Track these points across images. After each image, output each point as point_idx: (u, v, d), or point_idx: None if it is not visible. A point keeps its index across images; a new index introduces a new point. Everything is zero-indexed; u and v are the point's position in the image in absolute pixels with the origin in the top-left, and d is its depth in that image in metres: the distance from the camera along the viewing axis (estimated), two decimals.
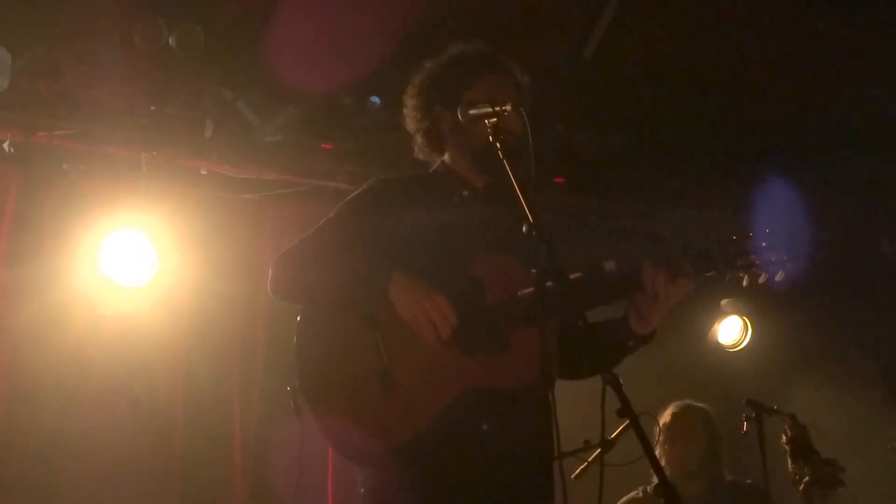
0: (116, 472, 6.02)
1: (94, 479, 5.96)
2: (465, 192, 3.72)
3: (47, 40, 5.56)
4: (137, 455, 6.11)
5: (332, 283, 3.48)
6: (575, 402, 3.78)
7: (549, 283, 3.19)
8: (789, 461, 5.01)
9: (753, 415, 5.16)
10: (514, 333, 3.41)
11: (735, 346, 7.79)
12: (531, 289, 3.34)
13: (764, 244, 3.61)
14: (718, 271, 3.63)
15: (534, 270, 3.20)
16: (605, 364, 3.02)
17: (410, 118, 3.85)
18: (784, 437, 5.05)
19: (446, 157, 3.80)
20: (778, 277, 3.63)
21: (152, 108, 5.93)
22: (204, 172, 6.37)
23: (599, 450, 4.43)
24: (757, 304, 7.63)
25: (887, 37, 6.55)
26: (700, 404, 6.15)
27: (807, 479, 4.91)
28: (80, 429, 5.98)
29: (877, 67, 6.75)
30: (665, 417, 5.96)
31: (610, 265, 3.50)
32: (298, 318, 3.53)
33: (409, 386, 3.36)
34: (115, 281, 5.97)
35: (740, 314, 7.75)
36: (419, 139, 3.84)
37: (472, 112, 3.50)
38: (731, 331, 7.80)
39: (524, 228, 3.11)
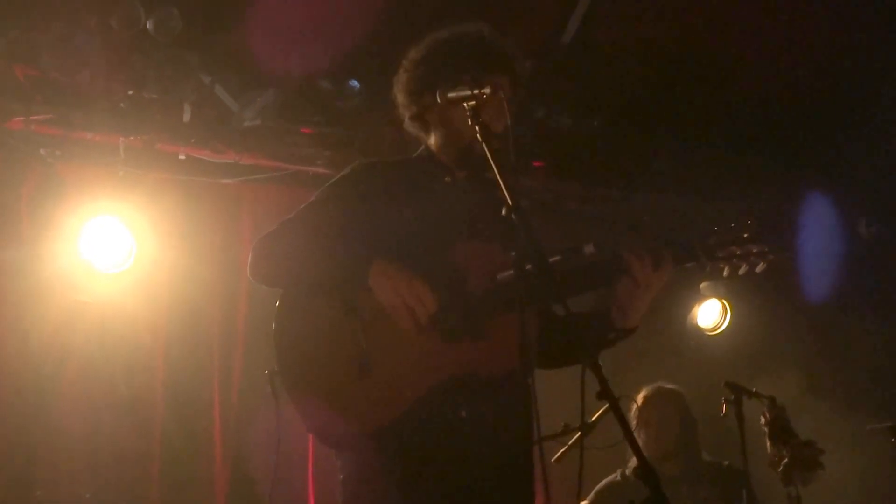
0: (95, 458, 6.01)
1: (73, 465, 5.96)
2: (448, 179, 3.70)
3: (23, 24, 5.52)
4: (116, 440, 6.09)
5: (312, 268, 3.47)
6: (555, 386, 3.78)
7: (528, 266, 3.19)
8: (768, 443, 5.03)
9: (733, 397, 5.18)
10: (493, 321, 3.40)
11: (715, 329, 7.82)
12: (510, 272, 3.33)
13: (745, 235, 3.62)
14: (699, 262, 3.64)
15: (513, 253, 3.20)
16: (583, 356, 3.02)
17: (400, 95, 3.77)
18: (763, 419, 5.07)
19: (431, 141, 3.77)
20: (759, 269, 3.65)
21: (130, 92, 5.90)
22: (182, 157, 6.34)
23: (579, 433, 4.44)
24: (736, 287, 7.65)
25: (861, 18, 6.59)
26: (671, 386, 6.19)
27: (786, 460, 4.93)
28: (58, 414, 5.96)
29: (854, 49, 6.77)
30: (638, 401, 5.99)
31: (589, 248, 3.49)
32: (277, 303, 3.52)
33: (388, 372, 3.36)
34: (94, 266, 5.96)
35: (720, 297, 7.77)
36: (406, 118, 3.79)
37: (451, 95, 3.46)
38: (710, 314, 7.82)
39: (503, 211, 3.10)
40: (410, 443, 3.34)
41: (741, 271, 3.65)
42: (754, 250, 3.62)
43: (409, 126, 3.78)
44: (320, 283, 3.45)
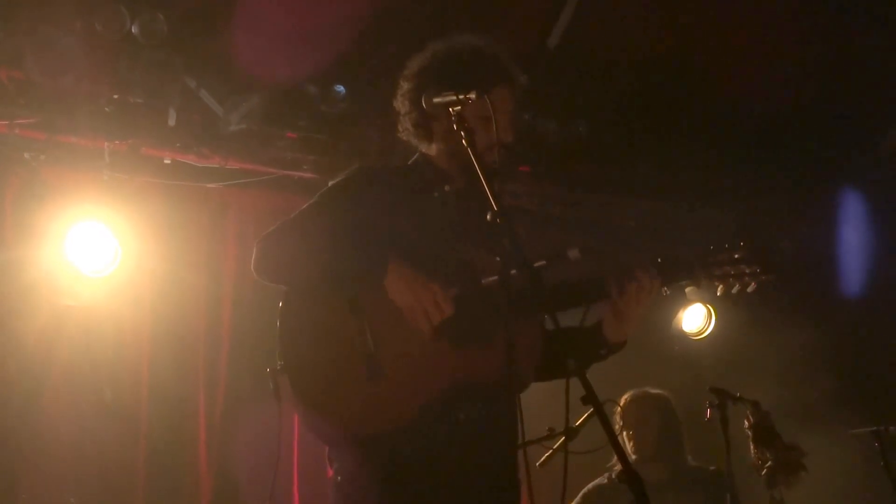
0: (79, 463, 5.99)
1: (57, 469, 5.93)
2: (447, 187, 3.70)
3: (7, 28, 5.51)
4: (101, 444, 6.07)
5: (321, 265, 3.44)
6: (540, 390, 3.78)
7: (513, 272, 3.20)
8: (752, 447, 5.05)
9: (717, 402, 5.19)
10: (499, 328, 3.40)
11: (700, 333, 7.83)
12: (495, 277, 3.33)
13: (737, 256, 3.65)
14: (695, 280, 3.68)
15: (498, 258, 3.20)
16: (570, 360, 3.03)
17: (403, 104, 3.74)
18: (747, 423, 5.08)
19: (431, 149, 3.76)
20: (751, 289, 3.69)
21: (115, 96, 5.90)
22: (167, 161, 6.34)
23: (564, 437, 4.45)
24: None
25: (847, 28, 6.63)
26: (655, 391, 6.19)
27: (769, 464, 4.94)
28: (42, 419, 5.95)
29: (839, 59, 6.81)
30: (620, 405, 6.00)
31: (574, 253, 3.50)
32: (281, 303, 3.51)
33: (394, 374, 3.36)
34: (79, 270, 5.94)
35: (705, 302, 7.78)
36: (407, 125, 3.76)
37: (436, 100, 3.47)
38: (695, 319, 7.83)
39: (488, 216, 3.11)
40: (407, 445, 3.35)
41: (734, 290, 3.70)
42: (747, 270, 3.66)
43: (411, 134, 3.76)
44: (328, 281, 3.43)
